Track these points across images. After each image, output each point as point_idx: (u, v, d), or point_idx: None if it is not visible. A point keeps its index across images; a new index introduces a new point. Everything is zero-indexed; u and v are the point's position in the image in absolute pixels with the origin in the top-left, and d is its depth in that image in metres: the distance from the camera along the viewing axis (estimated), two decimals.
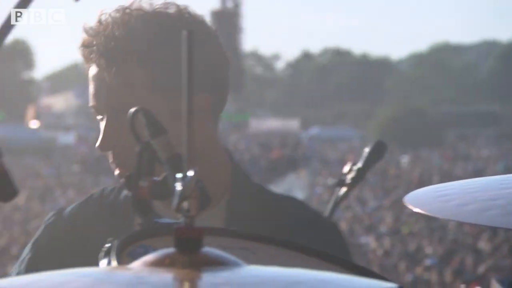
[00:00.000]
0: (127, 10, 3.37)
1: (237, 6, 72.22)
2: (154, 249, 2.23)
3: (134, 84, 3.30)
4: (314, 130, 72.98)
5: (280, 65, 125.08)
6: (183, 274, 1.76)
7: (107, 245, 2.25)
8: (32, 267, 3.74)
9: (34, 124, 73.82)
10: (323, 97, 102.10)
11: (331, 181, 5.00)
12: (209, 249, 1.81)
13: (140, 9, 3.39)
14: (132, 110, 2.39)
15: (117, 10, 3.36)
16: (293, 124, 77.29)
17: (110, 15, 3.35)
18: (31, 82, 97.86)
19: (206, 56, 3.30)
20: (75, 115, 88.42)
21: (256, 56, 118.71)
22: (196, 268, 1.77)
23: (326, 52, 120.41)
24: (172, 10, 3.43)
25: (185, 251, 1.79)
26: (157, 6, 3.42)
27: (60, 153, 54.82)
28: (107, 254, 2.21)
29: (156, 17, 3.38)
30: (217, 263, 1.79)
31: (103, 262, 2.20)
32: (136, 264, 1.81)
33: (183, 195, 1.79)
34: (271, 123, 77.79)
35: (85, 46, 3.30)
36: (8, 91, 75.70)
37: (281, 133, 67.46)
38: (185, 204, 1.80)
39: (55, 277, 1.80)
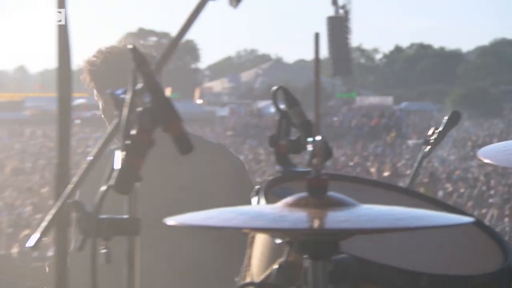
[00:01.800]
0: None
1: (346, 12, 71.69)
2: (290, 190, 2.22)
3: None
4: (404, 105, 72.22)
5: (378, 56, 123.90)
6: (314, 213, 1.73)
7: (257, 186, 2.26)
8: None
9: (199, 101, 74.69)
10: (411, 80, 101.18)
11: (416, 142, 4.99)
12: (332, 193, 1.78)
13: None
14: (274, 88, 2.39)
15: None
16: (388, 100, 76.55)
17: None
18: (197, 70, 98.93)
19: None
20: (228, 94, 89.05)
21: (360, 50, 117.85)
22: (323, 208, 1.75)
23: (413, 46, 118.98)
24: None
25: (315, 195, 1.76)
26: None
27: (218, 122, 55.29)
28: (257, 193, 2.21)
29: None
30: (339, 204, 1.77)
31: (254, 199, 2.20)
32: (279, 205, 1.79)
33: (313, 154, 1.77)
34: (372, 100, 77.25)
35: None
36: (180, 78, 76.65)
37: (379, 107, 66.98)
38: (314, 160, 1.77)
39: (222, 215, 1.79)
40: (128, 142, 1.91)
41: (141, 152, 1.91)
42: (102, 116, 3.84)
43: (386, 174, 24.82)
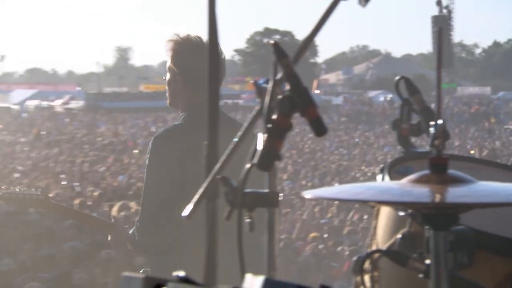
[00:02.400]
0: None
1: (450, 12, 70.37)
2: (411, 168, 2.18)
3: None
4: (501, 94, 70.27)
5: (478, 51, 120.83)
6: (436, 188, 1.70)
7: (381, 165, 2.23)
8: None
9: (316, 92, 74.59)
10: (508, 72, 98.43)
11: None
12: (452, 171, 1.75)
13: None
14: (396, 78, 2.36)
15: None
16: (486, 90, 74.74)
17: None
18: (315, 64, 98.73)
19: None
20: (342, 85, 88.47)
21: (462, 45, 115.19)
22: (444, 184, 1.72)
23: (510, 41, 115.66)
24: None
25: (436, 172, 1.73)
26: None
27: (333, 110, 55.00)
28: (382, 171, 2.19)
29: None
30: (459, 181, 1.73)
31: (379, 177, 2.17)
32: (403, 181, 1.76)
33: (435, 136, 1.73)
34: (471, 90, 75.54)
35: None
36: (300, 71, 76.44)
37: (478, 96, 65.46)
38: (436, 142, 1.73)
39: (353, 189, 1.78)
40: (269, 125, 1.91)
41: (281, 135, 1.91)
42: (166, 86, 4.13)
43: (484, 154, 24.25)
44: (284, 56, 1.90)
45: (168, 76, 4.09)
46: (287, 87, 1.91)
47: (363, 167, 21.56)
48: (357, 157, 27.20)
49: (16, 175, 16.88)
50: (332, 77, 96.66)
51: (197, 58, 3.78)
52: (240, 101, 53.27)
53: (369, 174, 18.66)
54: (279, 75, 1.93)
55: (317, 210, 12.35)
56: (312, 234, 10.04)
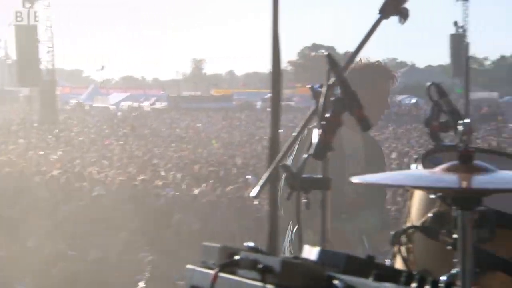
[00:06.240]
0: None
1: (464, 31, 68.76)
2: (440, 158, 2.11)
3: None
4: (506, 98, 68.68)
5: (487, 63, 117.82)
6: (463, 176, 1.64)
7: (415, 156, 2.17)
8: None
9: None
10: None
11: None
12: (477, 161, 1.68)
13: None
14: (428, 84, 2.28)
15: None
16: (494, 95, 73.08)
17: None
18: None
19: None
20: None
21: (473, 58, 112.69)
22: (470, 172, 1.65)
23: None
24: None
25: (464, 162, 1.67)
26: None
27: None
28: (416, 160, 2.13)
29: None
30: (483, 170, 1.67)
31: (413, 166, 2.12)
32: (436, 169, 1.71)
33: (464, 132, 1.68)
34: (481, 94, 73.87)
35: None
36: None
37: (486, 100, 64.04)
38: (465, 137, 1.67)
39: (394, 176, 1.73)
40: (323, 122, 1.87)
41: (333, 130, 1.87)
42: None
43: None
44: (336, 65, 1.86)
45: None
46: (339, 91, 1.86)
47: (392, 157, 21.23)
48: (387, 150, 26.82)
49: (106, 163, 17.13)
50: None
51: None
52: (292, 103, 53.06)
53: (395, 163, 18.32)
54: (331, 81, 1.89)
55: None
56: None
